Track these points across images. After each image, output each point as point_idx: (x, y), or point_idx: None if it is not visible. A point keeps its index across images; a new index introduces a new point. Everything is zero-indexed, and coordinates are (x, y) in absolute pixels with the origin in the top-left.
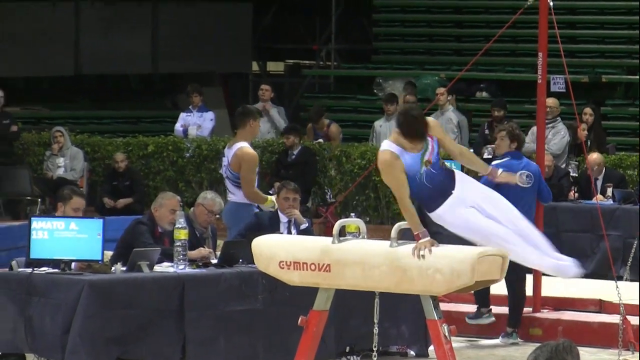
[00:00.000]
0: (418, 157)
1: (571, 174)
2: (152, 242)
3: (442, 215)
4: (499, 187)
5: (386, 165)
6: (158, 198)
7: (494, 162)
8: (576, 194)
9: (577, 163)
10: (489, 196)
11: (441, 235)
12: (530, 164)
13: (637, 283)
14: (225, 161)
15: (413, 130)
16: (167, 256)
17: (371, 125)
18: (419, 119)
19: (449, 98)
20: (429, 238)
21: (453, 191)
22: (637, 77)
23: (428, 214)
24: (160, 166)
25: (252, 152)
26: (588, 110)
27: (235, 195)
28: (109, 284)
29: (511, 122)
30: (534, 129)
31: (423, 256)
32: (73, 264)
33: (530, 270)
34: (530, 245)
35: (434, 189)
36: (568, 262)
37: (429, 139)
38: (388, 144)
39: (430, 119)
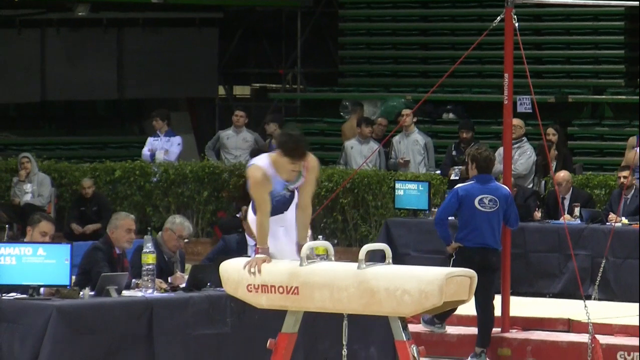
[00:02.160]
0: (283, 185)
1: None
2: (107, 269)
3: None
4: (464, 211)
5: (257, 183)
6: (112, 220)
7: (458, 185)
8: (540, 214)
9: (543, 182)
10: None
11: (410, 257)
12: (498, 189)
13: (606, 302)
14: None
15: (292, 148)
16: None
17: (338, 147)
18: (299, 140)
19: (414, 120)
20: (264, 256)
21: (285, 212)
22: (604, 97)
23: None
24: (128, 191)
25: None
26: (551, 130)
27: None
28: (78, 309)
29: (479, 143)
30: (500, 149)
31: (253, 273)
32: (41, 290)
33: (498, 291)
34: None
35: (276, 205)
36: None
37: (303, 175)
38: (264, 163)
39: (313, 157)
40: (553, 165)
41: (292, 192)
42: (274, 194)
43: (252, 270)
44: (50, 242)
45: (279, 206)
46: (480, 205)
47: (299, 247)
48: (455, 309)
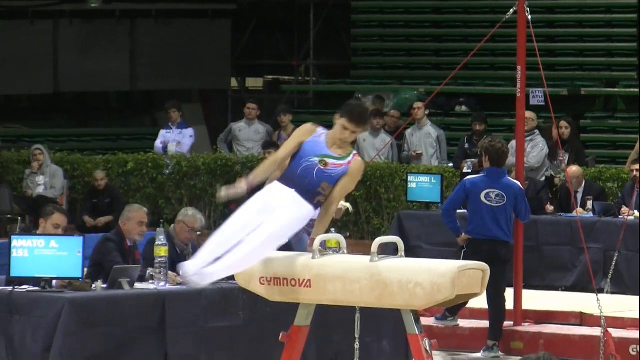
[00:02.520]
0: (323, 151)
1: (552, 175)
2: (119, 260)
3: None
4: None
5: (297, 131)
6: (125, 211)
7: (467, 177)
8: (551, 207)
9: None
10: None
11: (422, 250)
12: (508, 184)
13: (618, 295)
14: None
15: (359, 112)
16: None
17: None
18: (366, 109)
19: (426, 113)
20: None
21: (294, 190)
22: (616, 89)
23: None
24: (140, 183)
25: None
26: (564, 123)
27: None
28: (90, 302)
29: (492, 136)
30: (513, 142)
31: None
32: (54, 282)
33: (511, 284)
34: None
35: (303, 180)
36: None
37: (347, 164)
38: (321, 128)
39: (362, 160)
40: (565, 158)
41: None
42: (307, 153)
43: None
44: (63, 234)
45: (306, 183)
46: (487, 200)
47: (312, 241)
48: (467, 303)
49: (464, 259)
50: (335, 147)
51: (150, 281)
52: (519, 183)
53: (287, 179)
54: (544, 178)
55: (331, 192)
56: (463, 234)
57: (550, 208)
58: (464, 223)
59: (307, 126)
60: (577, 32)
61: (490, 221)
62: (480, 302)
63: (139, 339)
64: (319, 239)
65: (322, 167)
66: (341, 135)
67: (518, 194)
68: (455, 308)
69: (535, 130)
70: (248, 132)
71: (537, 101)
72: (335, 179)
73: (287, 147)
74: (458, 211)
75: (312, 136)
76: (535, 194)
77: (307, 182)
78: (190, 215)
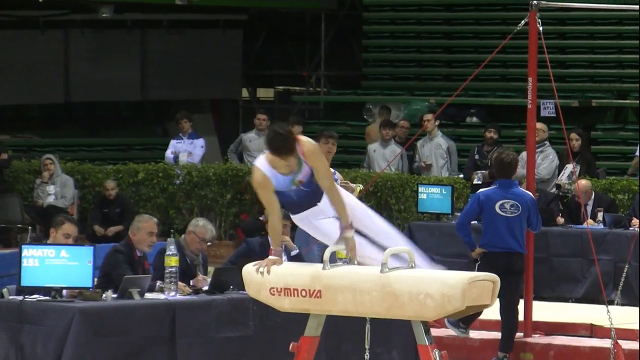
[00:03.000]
0: (289, 180)
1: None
2: (129, 272)
3: (304, 218)
4: (485, 216)
5: (257, 185)
6: (135, 222)
7: (479, 190)
8: (562, 219)
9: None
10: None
11: (434, 262)
12: (521, 194)
13: (628, 307)
14: None
15: (277, 146)
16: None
17: (361, 150)
18: (283, 136)
19: (436, 124)
20: (276, 258)
21: (318, 204)
22: (627, 101)
23: (291, 215)
24: (151, 193)
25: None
26: (574, 135)
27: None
28: (100, 312)
29: (502, 147)
30: (524, 154)
31: (262, 273)
32: (64, 292)
33: (521, 295)
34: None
35: (300, 201)
36: None
37: (304, 162)
38: (261, 163)
39: (308, 141)
40: (577, 169)
41: (311, 183)
42: (284, 190)
43: (261, 270)
44: (73, 244)
45: (304, 200)
46: (501, 210)
47: (343, 227)
48: (480, 313)
49: (479, 271)
50: (286, 166)
51: (160, 292)
52: (530, 193)
53: (294, 207)
54: (554, 189)
55: (318, 184)
56: (477, 247)
57: (560, 220)
58: (477, 236)
59: (260, 178)
60: (588, 43)
61: (505, 232)
62: (490, 313)
63: (149, 349)
64: (329, 250)
65: (299, 186)
66: (286, 163)
67: (530, 204)
68: (468, 319)
69: (546, 142)
70: (258, 143)
71: (548, 112)
72: (311, 180)
73: (272, 204)
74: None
75: (269, 180)
76: (545, 205)
77: (306, 200)
78: (201, 226)
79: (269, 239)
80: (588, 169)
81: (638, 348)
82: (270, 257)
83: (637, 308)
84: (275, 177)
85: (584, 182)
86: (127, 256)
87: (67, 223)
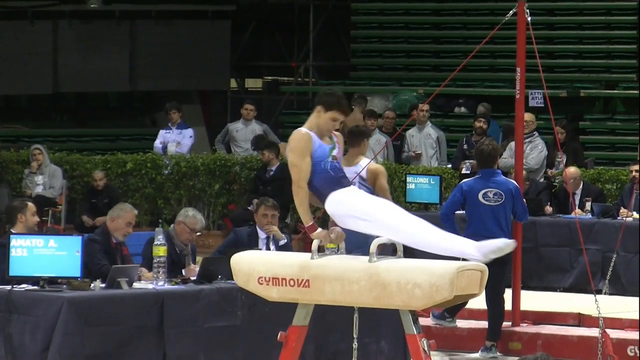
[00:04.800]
0: (327, 149)
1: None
2: (105, 261)
3: (337, 197)
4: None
5: (299, 143)
6: (116, 209)
7: (463, 181)
8: (550, 208)
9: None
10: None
11: (420, 250)
12: (504, 182)
13: (616, 297)
14: (354, 180)
15: (338, 103)
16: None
17: None
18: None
19: (427, 113)
20: (323, 231)
21: (349, 186)
22: (616, 91)
23: (324, 196)
24: (139, 183)
25: (382, 166)
26: (559, 129)
27: None
28: (89, 301)
29: (489, 138)
30: (512, 144)
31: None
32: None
33: (509, 285)
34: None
35: (335, 177)
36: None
37: (336, 142)
38: (305, 129)
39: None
40: (564, 159)
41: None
42: (322, 160)
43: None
44: (62, 233)
45: (340, 177)
46: (485, 199)
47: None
48: (466, 303)
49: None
50: (326, 139)
51: (145, 280)
52: (514, 182)
53: (329, 184)
54: (542, 179)
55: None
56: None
57: (549, 209)
58: (463, 225)
59: (305, 136)
60: (576, 34)
61: (490, 221)
62: (478, 302)
63: (137, 339)
64: (316, 240)
65: (334, 161)
66: (331, 127)
67: (515, 192)
68: (454, 309)
69: (535, 132)
70: (245, 133)
71: (537, 103)
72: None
73: (304, 165)
74: (457, 212)
75: (311, 140)
76: (535, 195)
77: (341, 175)
78: (191, 216)
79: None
80: (576, 159)
81: (625, 337)
82: (316, 232)
83: (626, 297)
84: (318, 142)
85: (572, 170)
86: (103, 244)
87: (29, 203)
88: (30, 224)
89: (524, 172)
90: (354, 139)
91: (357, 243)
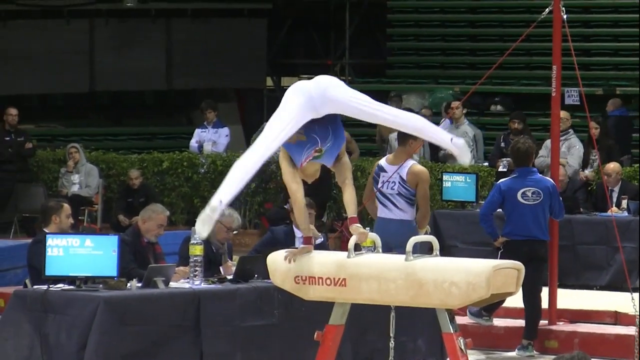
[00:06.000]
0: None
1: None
2: (134, 264)
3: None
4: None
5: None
6: (148, 210)
7: (500, 180)
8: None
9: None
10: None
11: (457, 249)
12: (541, 181)
13: None
14: (394, 178)
15: None
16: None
17: (385, 139)
18: None
19: (463, 112)
20: (306, 247)
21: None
22: None
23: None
24: (175, 182)
25: (425, 169)
26: (593, 124)
27: (407, 213)
28: (125, 301)
29: (524, 136)
30: (548, 142)
31: (290, 261)
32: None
33: (546, 283)
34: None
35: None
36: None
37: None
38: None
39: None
40: (598, 157)
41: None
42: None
43: (288, 258)
44: (99, 233)
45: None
46: (524, 199)
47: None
48: (503, 301)
49: (502, 259)
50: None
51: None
52: (551, 180)
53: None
54: (578, 177)
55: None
56: (500, 236)
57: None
58: (501, 223)
59: (281, 154)
60: (612, 31)
61: (529, 220)
62: (515, 301)
63: (174, 338)
64: (353, 239)
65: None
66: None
67: (552, 191)
68: (491, 307)
69: (570, 130)
70: None
71: (572, 100)
72: None
73: (293, 180)
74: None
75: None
76: (572, 193)
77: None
78: (227, 215)
79: (295, 229)
80: (609, 156)
81: None
82: (303, 245)
83: None
84: (290, 147)
85: (612, 166)
86: (133, 245)
87: (64, 204)
88: (64, 226)
89: (564, 171)
90: (400, 137)
91: (398, 242)
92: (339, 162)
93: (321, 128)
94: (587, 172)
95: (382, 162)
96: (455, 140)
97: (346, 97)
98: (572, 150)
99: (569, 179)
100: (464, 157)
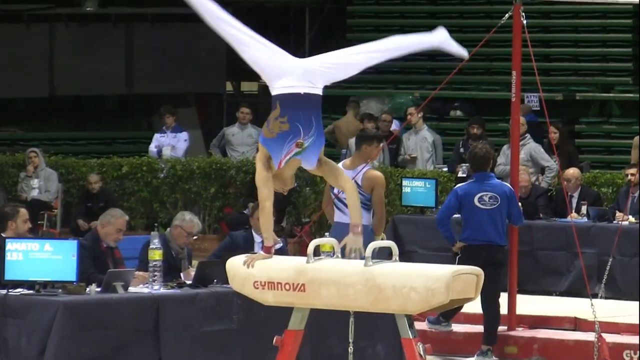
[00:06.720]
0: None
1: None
2: (92, 269)
3: None
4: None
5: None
6: (107, 215)
7: (457, 185)
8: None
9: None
10: None
11: (416, 254)
12: (499, 185)
13: (612, 300)
14: None
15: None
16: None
17: (339, 141)
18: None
19: (419, 116)
20: (265, 254)
21: None
22: (611, 94)
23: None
24: (135, 187)
25: (381, 174)
26: (552, 128)
27: (363, 218)
28: (84, 305)
29: (482, 141)
30: (505, 148)
31: (249, 266)
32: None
33: (505, 289)
34: None
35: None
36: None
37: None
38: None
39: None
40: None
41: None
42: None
43: (247, 263)
44: (58, 237)
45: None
46: (481, 203)
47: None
48: (461, 307)
49: (460, 264)
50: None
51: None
52: (508, 185)
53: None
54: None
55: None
56: (458, 241)
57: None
58: (459, 228)
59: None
60: (572, 37)
61: (486, 225)
62: (474, 306)
63: (133, 343)
64: (312, 243)
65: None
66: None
67: (510, 195)
68: (449, 313)
69: (527, 135)
70: (241, 137)
71: (532, 106)
72: None
73: (264, 177)
74: (452, 216)
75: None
76: (534, 199)
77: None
78: (188, 220)
79: (255, 234)
80: (569, 162)
81: (621, 342)
82: (261, 252)
83: (622, 301)
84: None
85: (572, 171)
86: (92, 250)
87: (20, 209)
88: (21, 231)
89: (527, 177)
90: (356, 142)
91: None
92: (323, 165)
93: (305, 118)
94: (544, 177)
95: (339, 166)
96: (437, 33)
97: (319, 63)
98: (539, 153)
99: (531, 184)
100: (453, 45)
